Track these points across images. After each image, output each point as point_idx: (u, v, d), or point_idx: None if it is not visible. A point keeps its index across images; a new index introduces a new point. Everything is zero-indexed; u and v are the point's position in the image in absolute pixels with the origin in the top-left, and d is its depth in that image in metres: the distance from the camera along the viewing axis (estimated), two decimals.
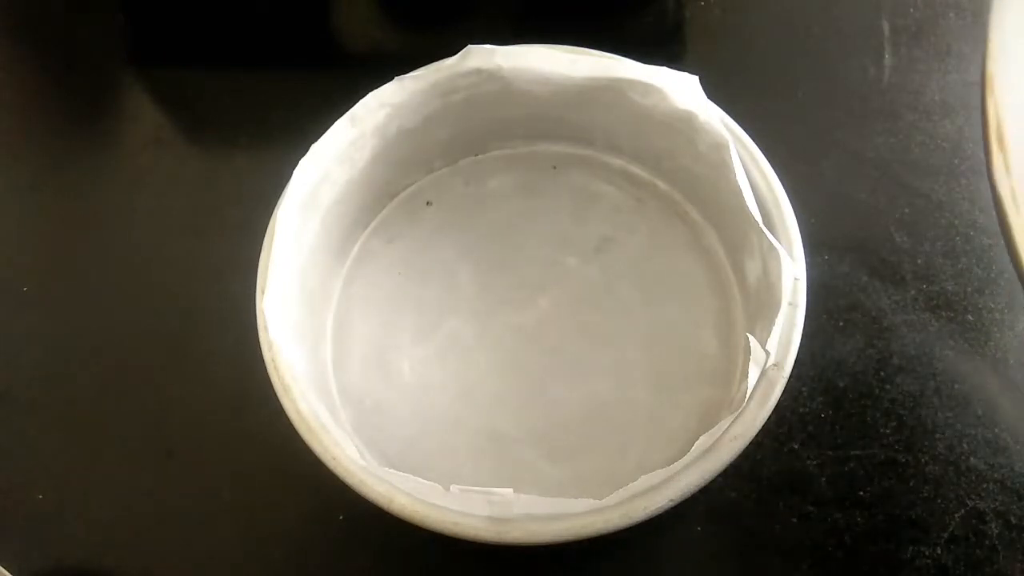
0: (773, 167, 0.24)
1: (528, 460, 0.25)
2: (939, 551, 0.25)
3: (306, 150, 0.24)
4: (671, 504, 0.20)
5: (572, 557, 0.26)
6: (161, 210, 0.32)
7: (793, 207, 0.24)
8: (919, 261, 0.29)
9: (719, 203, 0.26)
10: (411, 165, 0.29)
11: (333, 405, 0.25)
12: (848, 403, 0.27)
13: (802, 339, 0.22)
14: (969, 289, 0.28)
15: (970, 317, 0.28)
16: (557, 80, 0.26)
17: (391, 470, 0.21)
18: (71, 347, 0.30)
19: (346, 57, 0.36)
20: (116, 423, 0.28)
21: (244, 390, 0.25)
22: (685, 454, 0.21)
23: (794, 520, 0.26)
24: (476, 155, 0.29)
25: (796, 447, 0.26)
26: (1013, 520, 0.25)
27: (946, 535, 0.25)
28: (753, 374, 0.21)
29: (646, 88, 0.25)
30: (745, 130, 0.25)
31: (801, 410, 0.27)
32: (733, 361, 0.26)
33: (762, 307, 0.24)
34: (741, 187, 0.23)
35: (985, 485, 0.26)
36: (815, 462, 0.26)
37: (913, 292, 0.28)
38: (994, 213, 0.20)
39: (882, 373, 0.27)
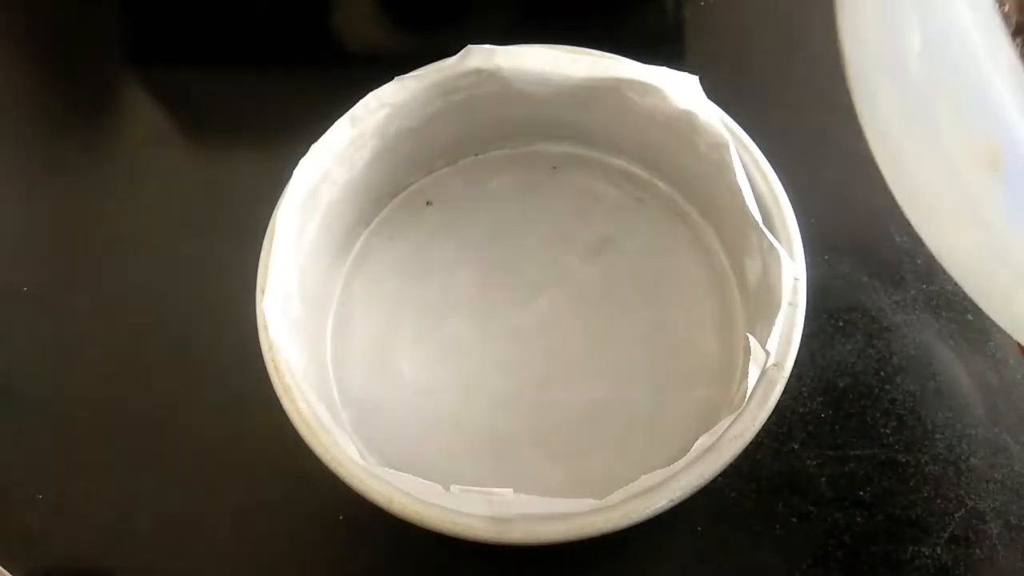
0: (773, 167, 0.24)
1: (528, 460, 0.25)
2: (939, 551, 0.25)
3: (306, 150, 0.24)
4: (671, 504, 0.20)
5: (572, 557, 0.26)
6: (161, 210, 0.32)
7: (793, 207, 0.24)
8: (919, 261, 0.29)
9: (719, 203, 0.26)
10: (411, 165, 0.29)
11: (333, 405, 0.25)
12: (848, 403, 0.27)
13: (802, 339, 0.22)
14: None
15: (970, 317, 0.28)
16: (557, 80, 0.26)
17: (391, 470, 0.21)
18: (71, 347, 0.30)
19: (346, 57, 0.36)
20: (116, 423, 0.28)
21: (244, 390, 0.25)
22: (685, 454, 0.21)
23: (794, 520, 0.26)
24: (476, 155, 0.29)
25: (796, 447, 0.26)
26: (1013, 520, 0.25)
27: (946, 535, 0.25)
28: (753, 374, 0.21)
29: (646, 88, 0.25)
30: (745, 130, 0.25)
31: (801, 410, 0.27)
32: (733, 361, 0.26)
33: (762, 307, 0.24)
34: (741, 187, 0.23)
35: (985, 485, 0.26)
36: (815, 462, 0.26)
37: (913, 292, 0.28)
38: None
39: (882, 373, 0.27)
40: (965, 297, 0.28)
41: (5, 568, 0.25)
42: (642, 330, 0.26)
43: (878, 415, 0.27)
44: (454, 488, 0.20)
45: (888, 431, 0.27)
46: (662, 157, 0.28)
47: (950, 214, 0.19)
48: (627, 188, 0.29)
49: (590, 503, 0.20)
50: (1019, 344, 0.27)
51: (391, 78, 0.25)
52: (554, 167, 0.29)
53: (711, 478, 0.21)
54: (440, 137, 0.28)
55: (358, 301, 0.28)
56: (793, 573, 0.25)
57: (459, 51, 0.25)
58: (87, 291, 0.31)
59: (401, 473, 0.20)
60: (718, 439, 0.21)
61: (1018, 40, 0.16)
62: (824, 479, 0.26)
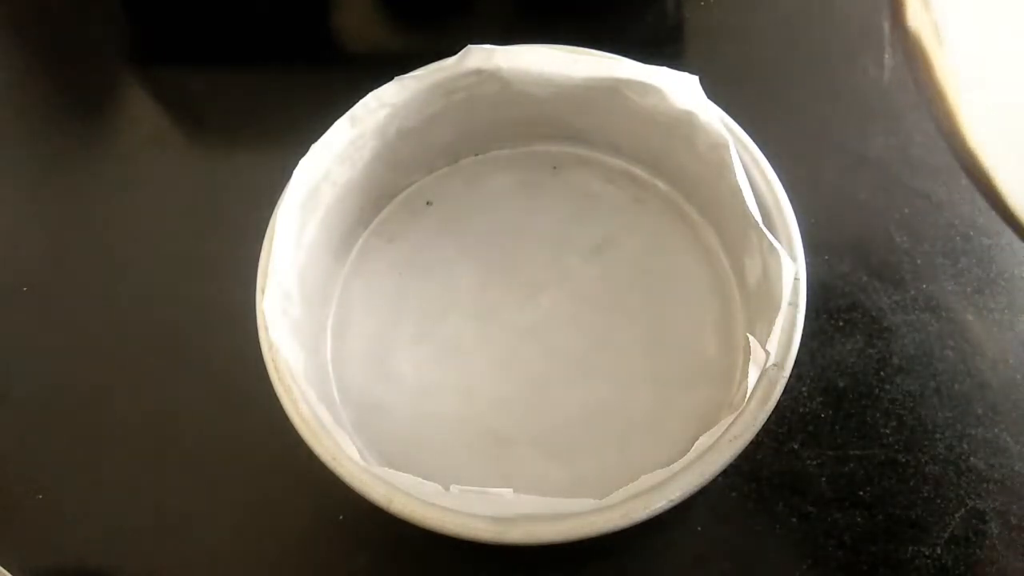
0: (773, 167, 0.24)
1: (528, 460, 0.25)
2: (939, 551, 0.25)
3: (306, 150, 0.24)
4: (671, 504, 0.20)
5: (572, 557, 0.26)
6: (161, 210, 0.32)
7: (793, 207, 0.24)
8: (919, 261, 0.29)
9: (719, 203, 0.26)
10: (411, 165, 0.29)
11: (333, 405, 0.25)
12: (848, 403, 0.27)
13: (802, 339, 0.22)
14: (969, 289, 0.28)
15: (970, 317, 0.28)
16: (557, 80, 0.26)
17: (391, 470, 0.21)
18: (71, 347, 0.30)
19: (346, 57, 0.36)
20: (116, 423, 0.28)
21: (244, 390, 0.25)
22: (685, 454, 0.21)
23: (794, 520, 0.26)
24: (476, 155, 0.30)
25: (796, 447, 0.26)
26: (1013, 520, 0.25)
27: (946, 535, 0.25)
28: (753, 374, 0.21)
29: (646, 88, 0.25)
30: (745, 130, 0.25)
31: (801, 410, 0.27)
32: (733, 361, 0.26)
33: (762, 307, 0.24)
34: (741, 187, 0.23)
35: (985, 485, 0.26)
36: (815, 462, 0.26)
37: (913, 292, 0.28)
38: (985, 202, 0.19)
39: (882, 373, 0.27)
40: (965, 297, 0.28)
41: (5, 568, 0.25)
42: (642, 330, 0.26)
43: (878, 415, 0.27)
44: (454, 488, 0.20)
45: (888, 431, 0.27)
46: (662, 157, 0.28)
47: None
48: (627, 188, 0.29)
49: (590, 503, 0.20)
50: None
51: (391, 78, 0.25)
52: (554, 167, 0.29)
53: (711, 478, 0.21)
54: (440, 137, 0.28)
55: (358, 301, 0.28)
56: (793, 573, 0.25)
57: (459, 51, 0.25)
58: (87, 291, 0.31)
59: (401, 473, 0.20)
60: (718, 439, 0.21)
61: None
62: (824, 479, 0.26)
